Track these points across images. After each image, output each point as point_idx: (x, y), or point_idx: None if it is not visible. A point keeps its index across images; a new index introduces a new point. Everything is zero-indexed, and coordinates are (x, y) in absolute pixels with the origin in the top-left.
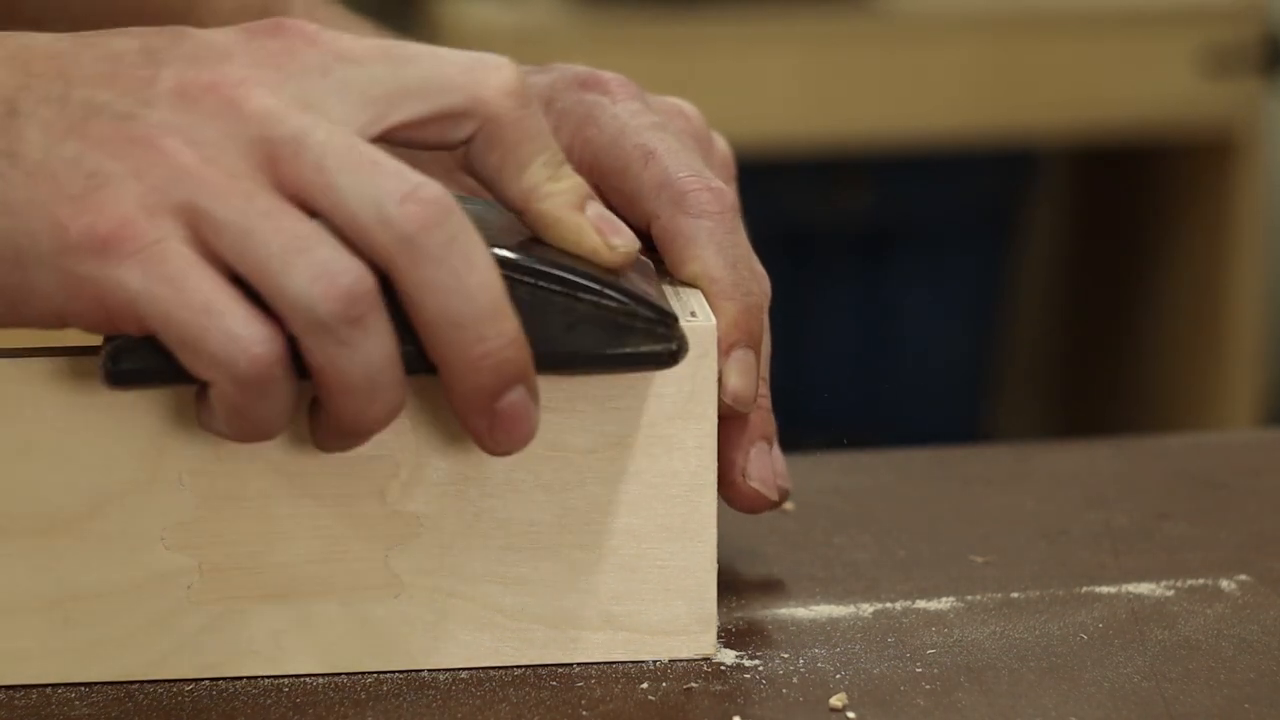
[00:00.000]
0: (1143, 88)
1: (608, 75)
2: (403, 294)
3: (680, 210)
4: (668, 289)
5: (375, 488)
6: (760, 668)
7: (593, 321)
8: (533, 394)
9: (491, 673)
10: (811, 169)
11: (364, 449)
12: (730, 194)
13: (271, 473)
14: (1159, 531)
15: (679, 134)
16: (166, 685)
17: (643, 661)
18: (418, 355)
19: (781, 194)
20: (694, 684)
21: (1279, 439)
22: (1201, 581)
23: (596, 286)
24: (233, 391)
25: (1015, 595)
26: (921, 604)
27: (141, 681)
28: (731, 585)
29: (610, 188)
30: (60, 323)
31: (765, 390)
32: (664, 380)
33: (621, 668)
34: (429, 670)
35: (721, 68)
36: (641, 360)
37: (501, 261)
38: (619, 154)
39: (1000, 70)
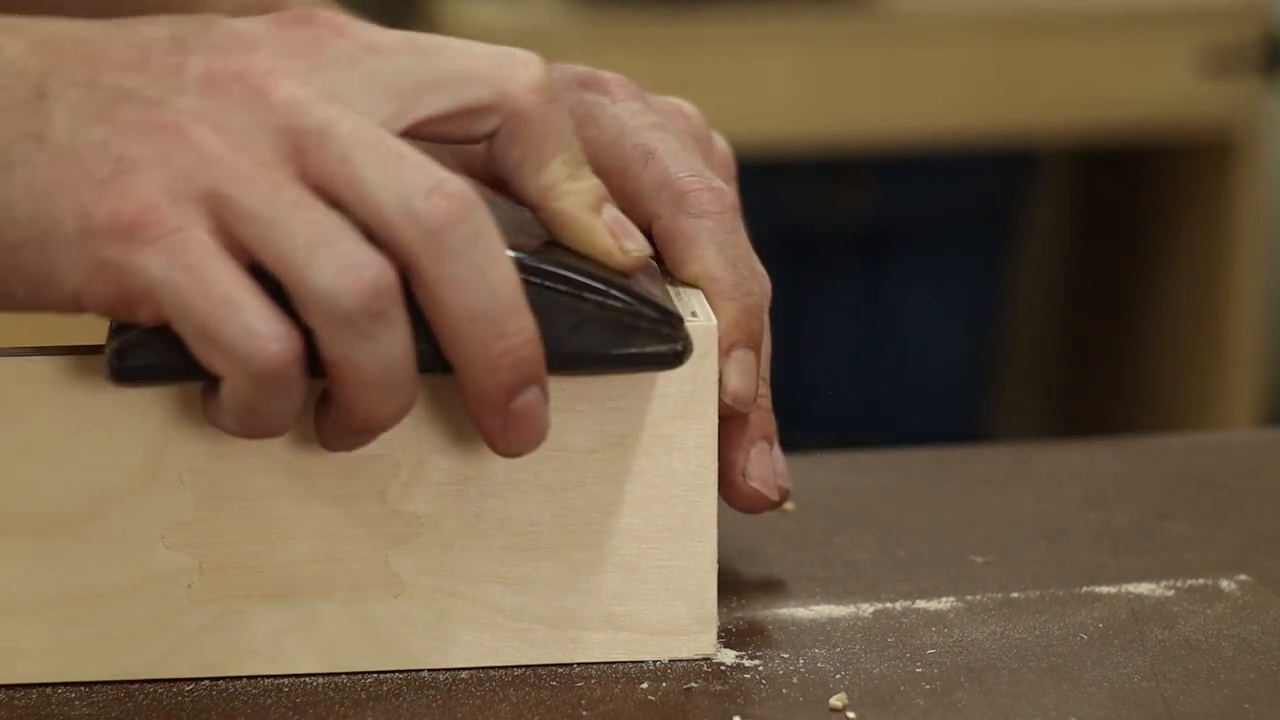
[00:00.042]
0: (1143, 88)
1: (608, 75)
2: (424, 289)
3: (681, 210)
4: (668, 289)
5: (376, 487)
6: (760, 668)
7: (598, 322)
8: (545, 394)
9: (491, 673)
10: (811, 169)
11: (365, 448)
12: (731, 194)
13: (272, 472)
14: (1159, 531)
15: (679, 134)
16: (166, 685)
17: (643, 661)
18: (433, 353)
19: (781, 194)
20: (694, 684)
21: (1279, 439)
22: (1201, 581)
23: (602, 287)
24: (246, 388)
25: (1015, 595)
26: (921, 604)
27: (141, 681)
28: (731, 585)
29: (611, 188)
30: (78, 307)
31: (765, 390)
32: (665, 380)
33: (621, 668)
34: (429, 670)
35: (721, 68)
36: (647, 361)
37: (513, 259)
38: (619, 154)
39: (1000, 70)
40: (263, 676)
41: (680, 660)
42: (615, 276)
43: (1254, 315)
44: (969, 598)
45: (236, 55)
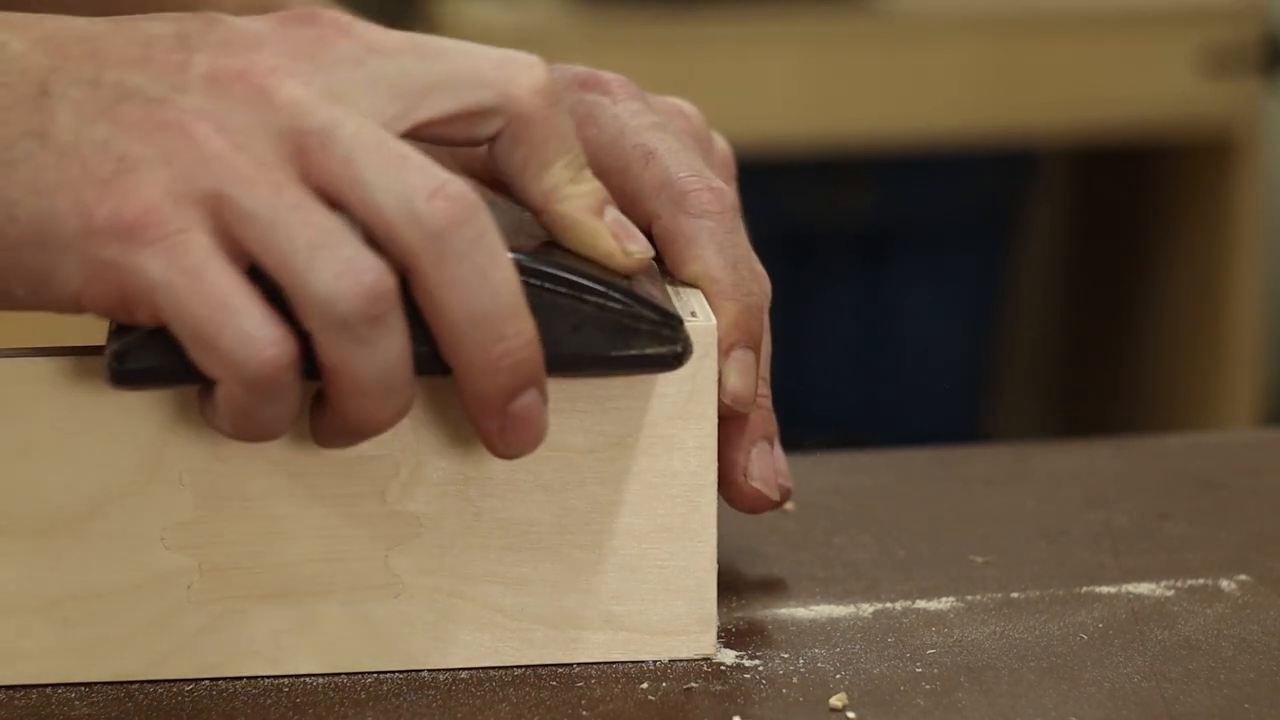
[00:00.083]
0: (1143, 88)
1: (608, 75)
2: (424, 291)
3: (681, 210)
4: (668, 288)
5: (375, 488)
6: (760, 668)
7: (598, 324)
8: (544, 397)
9: (491, 673)
10: (811, 169)
11: (364, 449)
12: (731, 194)
13: (272, 472)
14: (1159, 531)
15: (679, 134)
16: (166, 685)
17: (643, 661)
18: (431, 356)
19: (781, 194)
20: (694, 684)
21: (1279, 439)
22: (1201, 581)
23: (602, 289)
24: (240, 392)
25: (1015, 595)
26: (921, 604)
27: (141, 681)
28: (731, 585)
29: (611, 188)
30: (77, 307)
31: (766, 390)
32: (664, 380)
33: (621, 668)
34: (429, 670)
35: (721, 68)
36: (646, 363)
37: (514, 261)
38: (619, 154)
39: (1000, 70)
40: (263, 676)
41: (680, 660)
42: (616, 279)
43: (1254, 315)
44: (969, 598)
45: (240, 54)
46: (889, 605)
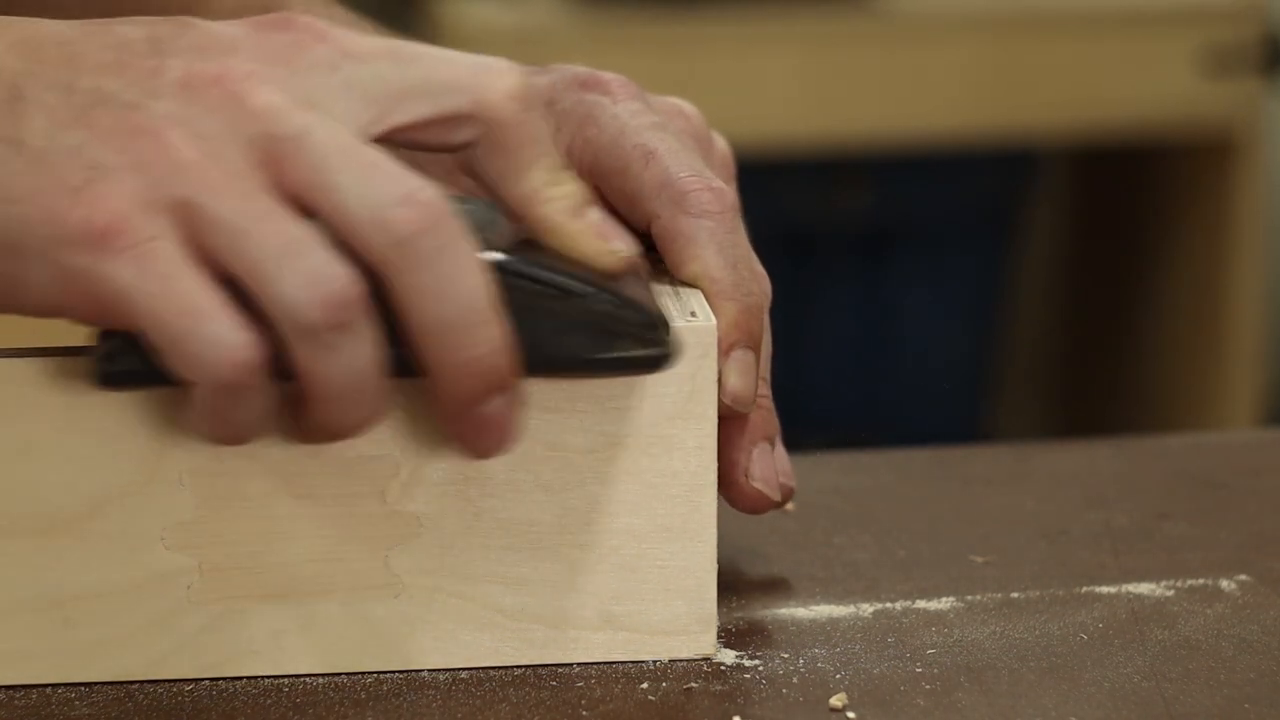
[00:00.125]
0: (1143, 88)
1: (608, 75)
2: (394, 297)
3: (681, 210)
4: (668, 289)
5: (375, 488)
6: (760, 668)
7: (582, 325)
8: (516, 401)
9: (491, 673)
10: (811, 169)
11: (364, 449)
12: (731, 194)
13: (271, 473)
14: (1159, 531)
15: (679, 134)
16: (166, 685)
17: (643, 661)
18: (409, 359)
19: (781, 194)
20: (694, 684)
21: (1279, 439)
22: (1201, 581)
23: (586, 290)
24: (212, 395)
25: (1015, 595)
26: (921, 604)
27: (141, 681)
28: (731, 585)
29: (611, 188)
30: (51, 313)
31: (766, 390)
32: (664, 380)
33: (621, 668)
34: (429, 670)
35: (721, 68)
36: (630, 365)
37: (494, 264)
38: (619, 154)
39: (1000, 70)
40: (263, 677)
41: (680, 660)
42: (601, 280)
43: (1254, 315)
44: (969, 598)
45: (214, 58)
46: (889, 605)
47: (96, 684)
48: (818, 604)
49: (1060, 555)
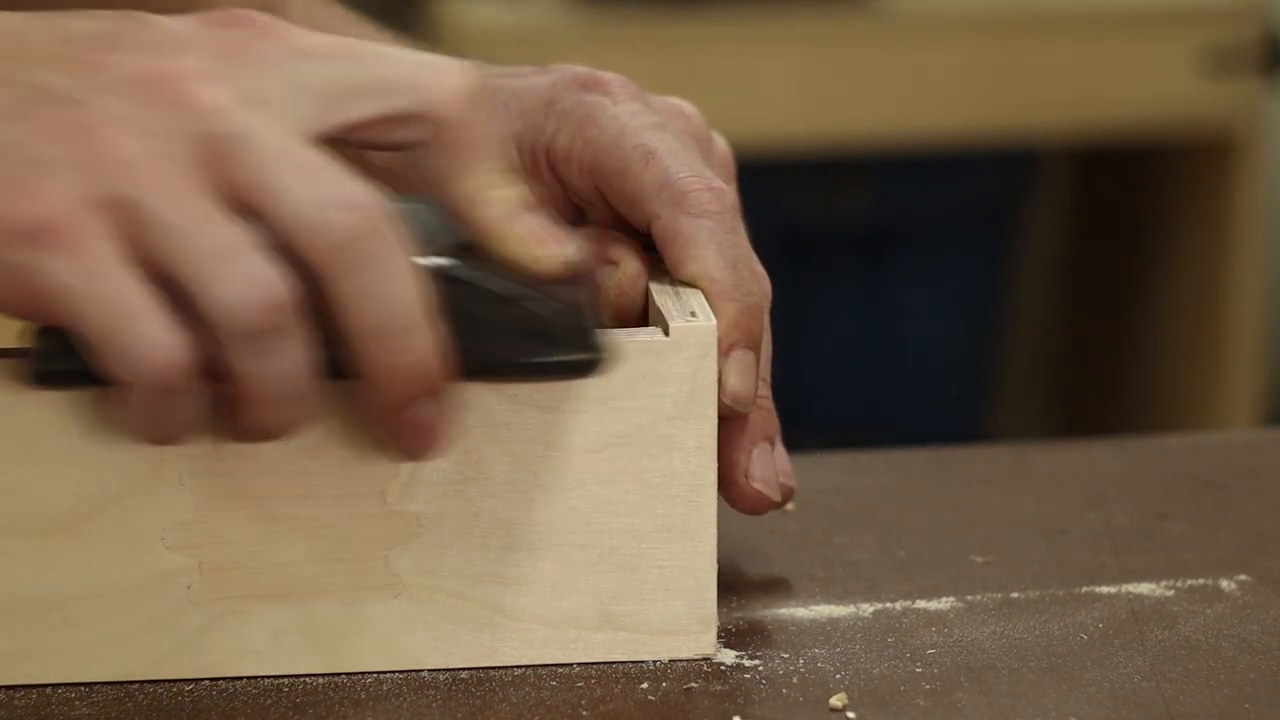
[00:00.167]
0: (1143, 88)
1: (608, 76)
2: (330, 300)
3: (681, 210)
4: (668, 288)
5: (375, 488)
6: (760, 668)
7: (517, 329)
8: (446, 406)
9: (491, 673)
10: (811, 169)
11: (364, 449)
12: (731, 194)
13: (271, 473)
14: (1159, 531)
15: (679, 134)
16: (166, 685)
17: (643, 661)
18: (344, 361)
19: (781, 194)
20: (694, 684)
21: (1279, 439)
22: (1201, 581)
23: (520, 295)
24: (144, 395)
25: (1015, 595)
26: (921, 604)
27: (141, 681)
28: (731, 585)
29: (611, 188)
30: None
31: (766, 390)
32: (664, 380)
33: (621, 668)
34: (429, 670)
35: (721, 68)
36: (565, 369)
37: (431, 268)
38: (620, 154)
39: (1000, 70)
40: (263, 677)
41: (680, 660)
42: (536, 285)
43: (1254, 315)
44: (969, 598)
45: (162, 55)
46: (889, 605)
47: (96, 684)
48: (818, 604)
49: (1060, 555)
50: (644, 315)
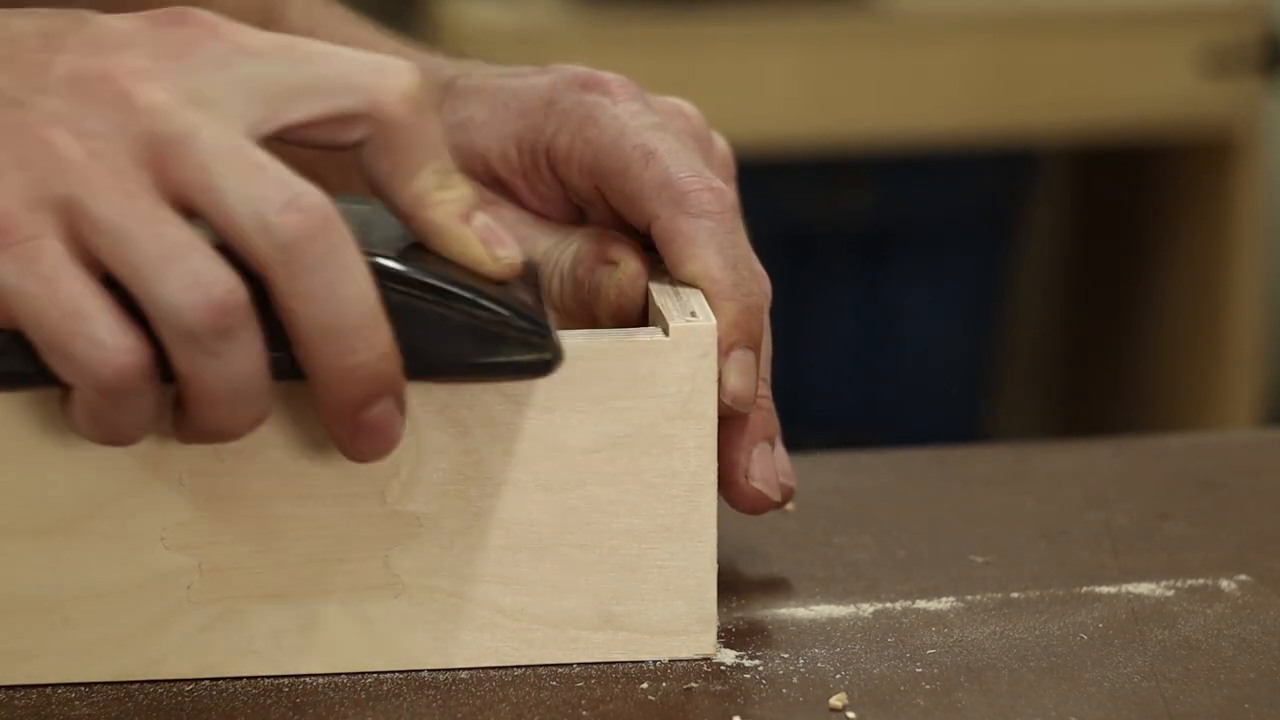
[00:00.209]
0: (1143, 88)
1: (608, 76)
2: (278, 301)
3: (681, 210)
4: (668, 288)
5: (375, 488)
6: (760, 668)
7: (466, 330)
8: (400, 406)
9: (491, 673)
10: (811, 169)
11: None
12: (731, 194)
13: (271, 473)
14: (1159, 531)
15: (679, 134)
16: (166, 685)
17: (643, 661)
18: (295, 362)
19: (781, 194)
20: (694, 684)
21: (1279, 439)
22: (1201, 581)
23: (471, 296)
24: (95, 398)
25: (1015, 595)
26: (921, 604)
27: (141, 681)
28: (731, 585)
29: (611, 188)
30: None
31: (766, 390)
32: (664, 380)
33: (621, 668)
34: (429, 670)
35: (721, 68)
36: (515, 369)
37: (378, 269)
38: (619, 154)
39: (1000, 70)
40: (263, 677)
41: (680, 660)
42: (486, 285)
43: (1254, 315)
44: (969, 598)
45: (105, 55)
46: (889, 605)
47: (96, 684)
48: (818, 604)
49: (1060, 555)
50: (644, 315)
